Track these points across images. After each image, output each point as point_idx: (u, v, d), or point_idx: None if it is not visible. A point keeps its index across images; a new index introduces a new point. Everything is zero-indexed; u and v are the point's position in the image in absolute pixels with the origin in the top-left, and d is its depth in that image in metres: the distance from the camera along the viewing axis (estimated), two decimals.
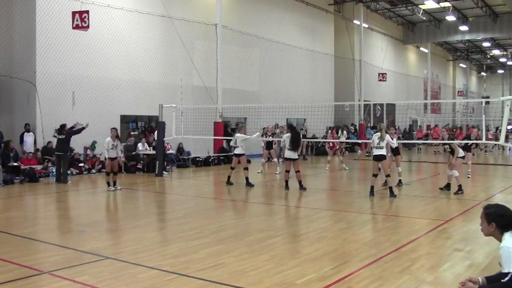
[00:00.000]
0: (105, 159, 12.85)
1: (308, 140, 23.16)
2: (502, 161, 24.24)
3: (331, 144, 18.12)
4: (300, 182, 12.44)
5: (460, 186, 11.76)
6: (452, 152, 12.02)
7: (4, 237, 7.45)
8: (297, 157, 12.54)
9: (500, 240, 3.59)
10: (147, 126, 19.77)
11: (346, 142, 24.32)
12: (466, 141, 12.11)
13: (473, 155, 17.61)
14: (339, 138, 22.03)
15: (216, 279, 5.27)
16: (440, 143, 26.67)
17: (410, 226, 8.42)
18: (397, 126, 31.37)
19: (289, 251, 6.73)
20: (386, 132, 11.77)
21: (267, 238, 7.26)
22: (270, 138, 17.97)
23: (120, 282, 5.24)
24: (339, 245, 6.93)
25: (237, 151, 13.70)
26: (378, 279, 5.34)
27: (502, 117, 12.46)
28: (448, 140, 12.15)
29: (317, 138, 24.98)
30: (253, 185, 13.33)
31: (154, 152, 16.73)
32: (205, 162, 19.92)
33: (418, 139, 28.30)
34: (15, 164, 14.28)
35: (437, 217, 9.16)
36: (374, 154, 11.50)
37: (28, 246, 6.96)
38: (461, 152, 11.93)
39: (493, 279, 3.61)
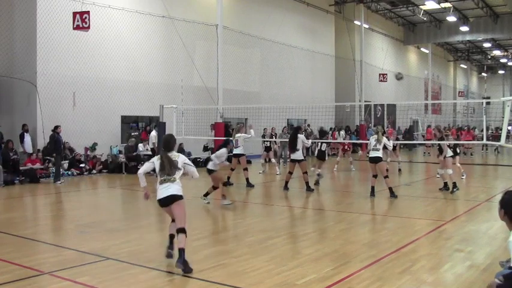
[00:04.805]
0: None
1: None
2: (499, 162, 24.20)
3: (346, 147, 18.34)
4: (307, 184, 12.40)
5: (454, 183, 11.83)
6: (440, 150, 12.19)
7: (5, 238, 7.46)
8: (302, 158, 12.53)
9: (510, 229, 3.55)
10: (146, 127, 19.74)
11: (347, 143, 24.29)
12: (455, 142, 12.28)
13: (463, 153, 17.83)
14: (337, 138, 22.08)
15: (216, 280, 5.28)
16: (431, 144, 26.64)
17: (410, 227, 8.41)
18: (397, 127, 31.27)
19: (289, 251, 6.73)
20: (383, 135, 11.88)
21: (267, 239, 7.26)
22: (270, 140, 17.96)
23: (121, 283, 5.25)
24: (339, 246, 6.93)
25: (236, 151, 13.68)
26: (378, 279, 5.34)
27: (503, 117, 12.46)
28: (439, 140, 12.29)
29: (318, 138, 24.85)
30: (253, 186, 13.32)
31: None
32: (206, 163, 19.86)
33: (428, 140, 28.04)
34: (16, 164, 14.32)
35: (438, 218, 9.16)
36: (370, 156, 11.52)
37: (29, 246, 6.97)
38: (449, 152, 12.09)
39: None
